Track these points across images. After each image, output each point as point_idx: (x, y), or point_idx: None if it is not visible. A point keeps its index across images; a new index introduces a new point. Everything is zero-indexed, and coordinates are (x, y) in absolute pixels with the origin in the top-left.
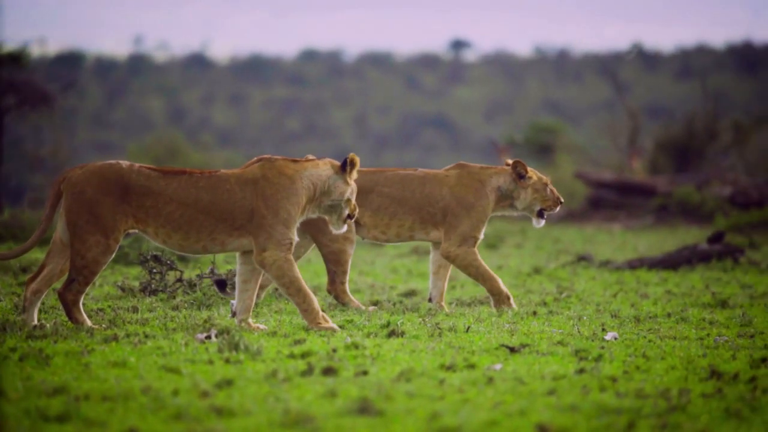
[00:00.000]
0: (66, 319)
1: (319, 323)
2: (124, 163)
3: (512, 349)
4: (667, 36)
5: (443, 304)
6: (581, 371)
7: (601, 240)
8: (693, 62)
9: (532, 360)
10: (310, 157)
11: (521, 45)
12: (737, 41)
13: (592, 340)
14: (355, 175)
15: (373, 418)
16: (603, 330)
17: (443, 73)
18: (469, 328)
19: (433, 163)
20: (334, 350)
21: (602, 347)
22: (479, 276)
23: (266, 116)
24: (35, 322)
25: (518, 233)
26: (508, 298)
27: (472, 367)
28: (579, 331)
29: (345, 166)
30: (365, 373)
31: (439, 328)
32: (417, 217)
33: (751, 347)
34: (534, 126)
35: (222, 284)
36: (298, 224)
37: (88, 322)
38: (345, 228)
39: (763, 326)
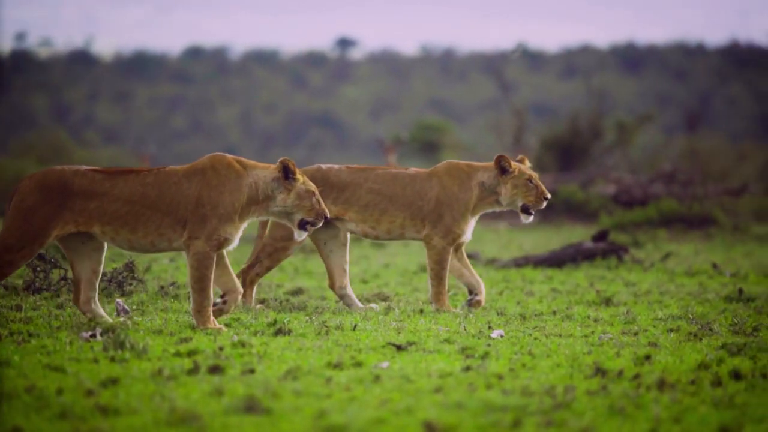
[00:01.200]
0: None
1: (208, 326)
2: (69, 168)
3: (399, 347)
4: (551, 36)
5: (481, 292)
6: (468, 369)
7: (487, 238)
8: (577, 62)
9: (418, 358)
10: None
11: (407, 43)
12: (621, 42)
13: (479, 338)
14: (300, 180)
15: (259, 416)
16: (489, 328)
17: (329, 72)
18: (356, 326)
19: (319, 161)
20: (221, 348)
21: (488, 345)
22: (437, 277)
23: (151, 114)
24: (104, 314)
25: None
26: (441, 309)
27: (359, 365)
28: (465, 329)
29: (280, 172)
30: (252, 371)
31: (326, 327)
32: (408, 213)
33: (635, 344)
34: (420, 124)
35: None
36: (242, 224)
37: None
38: (305, 235)
39: (646, 324)
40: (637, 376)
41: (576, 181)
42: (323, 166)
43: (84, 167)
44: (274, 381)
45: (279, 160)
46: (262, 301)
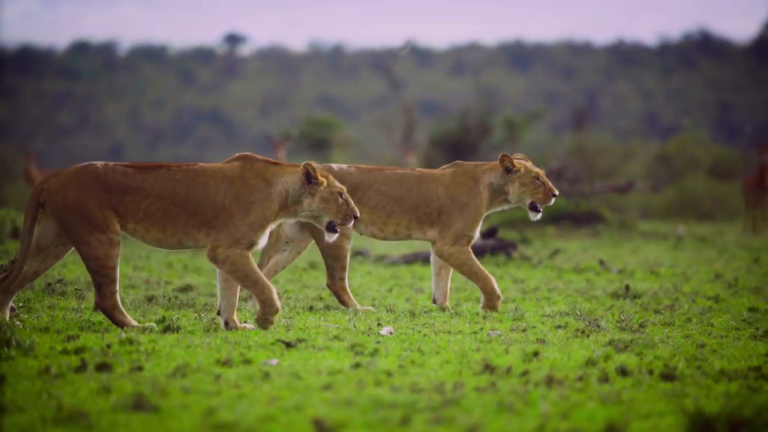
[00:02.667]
0: None
1: (272, 323)
2: (99, 163)
3: (288, 344)
4: (440, 33)
5: (447, 304)
6: (357, 366)
7: None
8: (466, 59)
9: (308, 355)
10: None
11: (296, 40)
12: (509, 39)
13: (368, 335)
14: (323, 183)
15: (147, 413)
16: (379, 325)
17: (218, 68)
18: (245, 323)
19: (208, 158)
20: (109, 346)
21: (378, 342)
22: (473, 274)
23: (37, 110)
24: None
25: None
26: (498, 299)
27: (248, 362)
28: (355, 326)
29: (303, 177)
30: (140, 368)
31: (215, 324)
32: (413, 216)
33: (523, 341)
34: (309, 121)
35: None
36: (268, 229)
37: (134, 323)
38: (335, 237)
39: (534, 320)
40: (525, 373)
41: None
42: (334, 166)
43: (112, 163)
44: (163, 378)
45: (302, 164)
46: (150, 299)
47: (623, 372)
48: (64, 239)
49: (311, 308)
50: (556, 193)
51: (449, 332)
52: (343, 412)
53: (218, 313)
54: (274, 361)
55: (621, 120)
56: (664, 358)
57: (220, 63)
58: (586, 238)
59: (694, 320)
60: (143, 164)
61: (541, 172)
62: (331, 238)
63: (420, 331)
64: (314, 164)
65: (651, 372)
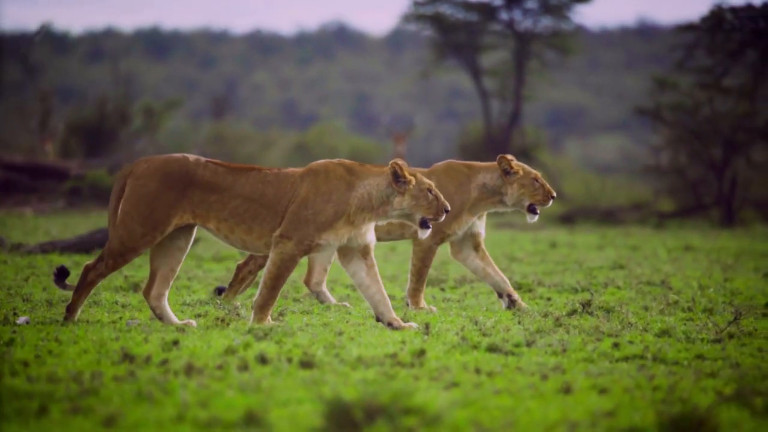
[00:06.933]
0: None
1: (263, 323)
2: (191, 156)
3: None
4: (75, 18)
5: (511, 291)
6: None
7: (13, 224)
8: (103, 45)
9: None
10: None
11: None
12: (146, 26)
13: (4, 325)
14: (412, 182)
15: None
16: (15, 314)
17: None
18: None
19: None
20: None
21: (14, 331)
22: (417, 274)
23: None
24: (176, 321)
25: None
26: (417, 305)
27: None
28: None
29: (390, 177)
30: None
31: None
32: None
33: (163, 330)
34: None
35: (221, 292)
36: (356, 229)
37: (77, 314)
38: (428, 233)
39: (175, 309)
40: (164, 362)
41: (103, 165)
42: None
43: (204, 158)
44: None
45: (390, 163)
46: None
47: (263, 360)
48: (182, 231)
49: None
50: (555, 195)
51: (88, 321)
52: None
53: (377, 320)
54: None
55: (260, 108)
56: (303, 345)
57: None
58: None
59: (333, 308)
60: (235, 164)
61: (538, 174)
62: (424, 234)
63: (57, 321)
64: (401, 162)
65: (290, 360)
